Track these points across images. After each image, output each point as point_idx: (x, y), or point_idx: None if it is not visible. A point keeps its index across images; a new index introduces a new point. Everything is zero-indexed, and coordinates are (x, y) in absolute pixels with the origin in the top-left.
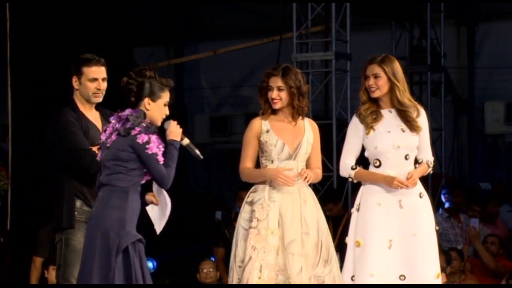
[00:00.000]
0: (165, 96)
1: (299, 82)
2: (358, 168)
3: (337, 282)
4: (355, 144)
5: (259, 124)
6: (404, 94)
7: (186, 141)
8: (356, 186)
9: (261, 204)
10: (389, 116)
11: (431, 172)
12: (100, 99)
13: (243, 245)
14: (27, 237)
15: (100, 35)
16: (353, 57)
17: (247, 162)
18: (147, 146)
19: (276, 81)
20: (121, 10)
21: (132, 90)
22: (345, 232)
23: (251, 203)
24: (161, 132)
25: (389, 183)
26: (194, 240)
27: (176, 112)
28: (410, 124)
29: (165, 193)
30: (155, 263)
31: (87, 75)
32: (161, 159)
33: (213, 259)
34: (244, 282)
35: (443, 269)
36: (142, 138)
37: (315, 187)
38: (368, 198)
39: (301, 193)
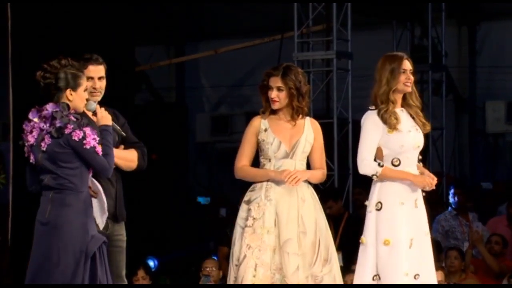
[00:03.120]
0: (84, 82)
1: (299, 83)
2: (384, 165)
3: (337, 282)
4: (375, 141)
5: (258, 123)
6: (417, 94)
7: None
8: (358, 185)
9: (258, 203)
10: (403, 115)
11: None
12: (98, 98)
13: (239, 243)
14: (28, 236)
15: (101, 34)
16: (354, 56)
17: (243, 160)
18: (84, 141)
19: (276, 81)
20: (122, 9)
21: (50, 83)
22: (346, 232)
23: (248, 202)
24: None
25: (420, 182)
26: (196, 239)
27: (177, 111)
28: (424, 124)
29: (98, 185)
30: (156, 262)
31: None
32: (99, 150)
33: (215, 257)
34: (239, 280)
35: (440, 267)
36: (78, 135)
37: (316, 186)
38: (389, 197)
39: (299, 192)
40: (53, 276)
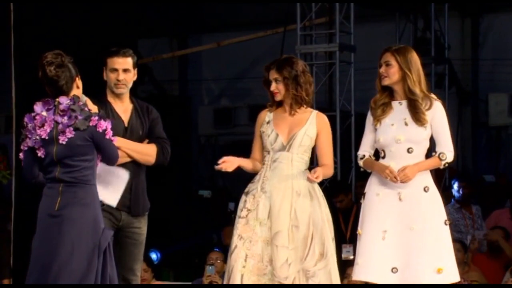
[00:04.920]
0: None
1: (296, 71)
2: (366, 157)
3: (333, 277)
4: (369, 136)
5: (264, 115)
6: (416, 85)
7: None
8: (361, 178)
9: (254, 194)
10: (398, 108)
11: (446, 165)
12: (123, 90)
13: (234, 233)
14: (30, 230)
15: (104, 27)
16: (357, 49)
17: (252, 153)
18: (106, 132)
19: (273, 74)
20: (125, 2)
21: (62, 76)
22: (355, 224)
23: (247, 194)
24: None
25: (381, 171)
26: (198, 232)
27: (180, 103)
28: (418, 115)
29: (113, 168)
30: (159, 255)
31: (109, 66)
32: (114, 139)
33: (217, 249)
34: (230, 270)
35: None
36: (102, 126)
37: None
38: (371, 188)
39: (295, 185)
40: (65, 270)
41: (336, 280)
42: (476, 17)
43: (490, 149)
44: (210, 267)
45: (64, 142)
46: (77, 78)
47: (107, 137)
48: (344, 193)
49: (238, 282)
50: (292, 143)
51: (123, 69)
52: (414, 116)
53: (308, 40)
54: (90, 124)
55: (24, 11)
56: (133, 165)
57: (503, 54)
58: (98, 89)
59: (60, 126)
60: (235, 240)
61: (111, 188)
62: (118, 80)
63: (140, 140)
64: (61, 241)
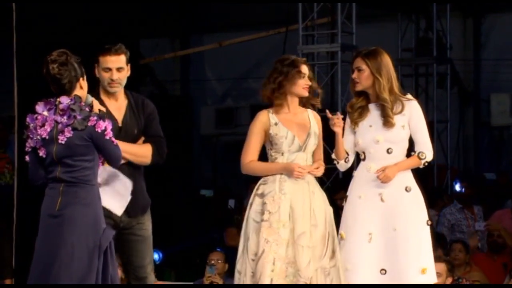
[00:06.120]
0: (84, 71)
1: (274, 69)
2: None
3: (341, 275)
4: (347, 138)
5: (266, 117)
6: (385, 90)
7: None
8: None
9: (272, 196)
10: (375, 110)
11: (426, 164)
12: (117, 89)
13: (255, 238)
14: (33, 230)
15: (105, 27)
16: (359, 49)
17: (251, 155)
18: (105, 132)
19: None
20: (127, 2)
21: (66, 76)
22: None
23: (262, 196)
24: None
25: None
26: (200, 231)
27: (181, 104)
28: (385, 119)
29: (121, 175)
30: (160, 255)
31: (101, 64)
32: (114, 140)
33: (219, 250)
34: (258, 275)
35: (444, 260)
36: (100, 126)
37: (320, 179)
38: (352, 191)
39: (309, 185)
40: (66, 270)
41: (343, 278)
42: (478, 17)
43: (492, 149)
44: (210, 268)
45: (63, 142)
46: (81, 79)
47: (107, 137)
48: (345, 190)
49: None
50: (308, 143)
51: (117, 68)
52: (383, 120)
53: (310, 40)
54: (89, 124)
55: (26, 12)
56: (129, 167)
57: (505, 54)
58: (89, 86)
59: (60, 125)
60: (262, 244)
61: (118, 197)
62: (112, 80)
63: (135, 139)
64: (62, 241)
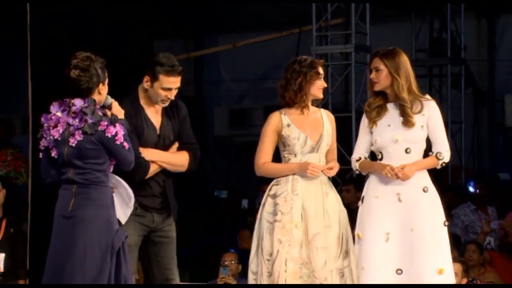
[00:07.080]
0: (107, 75)
1: (293, 70)
2: (362, 159)
3: (354, 275)
4: (364, 138)
5: (278, 119)
6: (404, 89)
7: None
8: None
9: (285, 197)
10: (393, 110)
11: (443, 165)
12: (166, 104)
13: (269, 238)
14: (47, 232)
15: (119, 27)
16: (372, 50)
17: (265, 157)
18: (116, 137)
19: None
20: (141, 3)
21: (86, 80)
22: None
23: (274, 196)
24: None
25: (381, 169)
26: (214, 232)
27: (195, 104)
28: (405, 119)
29: (125, 184)
30: None
31: (161, 83)
32: (126, 145)
33: (232, 250)
34: (276, 275)
35: (460, 261)
36: (111, 132)
37: (334, 179)
38: (369, 191)
39: (323, 186)
40: (79, 270)
41: (356, 278)
42: (492, 18)
43: (506, 149)
44: (224, 269)
45: (73, 145)
46: (101, 85)
47: (118, 142)
48: (356, 187)
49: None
50: (321, 144)
51: (176, 88)
52: (403, 119)
53: (324, 41)
54: (99, 128)
55: (40, 13)
56: (162, 173)
57: None
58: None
59: (71, 128)
60: (276, 245)
61: (123, 205)
62: (168, 98)
63: (170, 145)
64: (74, 242)
